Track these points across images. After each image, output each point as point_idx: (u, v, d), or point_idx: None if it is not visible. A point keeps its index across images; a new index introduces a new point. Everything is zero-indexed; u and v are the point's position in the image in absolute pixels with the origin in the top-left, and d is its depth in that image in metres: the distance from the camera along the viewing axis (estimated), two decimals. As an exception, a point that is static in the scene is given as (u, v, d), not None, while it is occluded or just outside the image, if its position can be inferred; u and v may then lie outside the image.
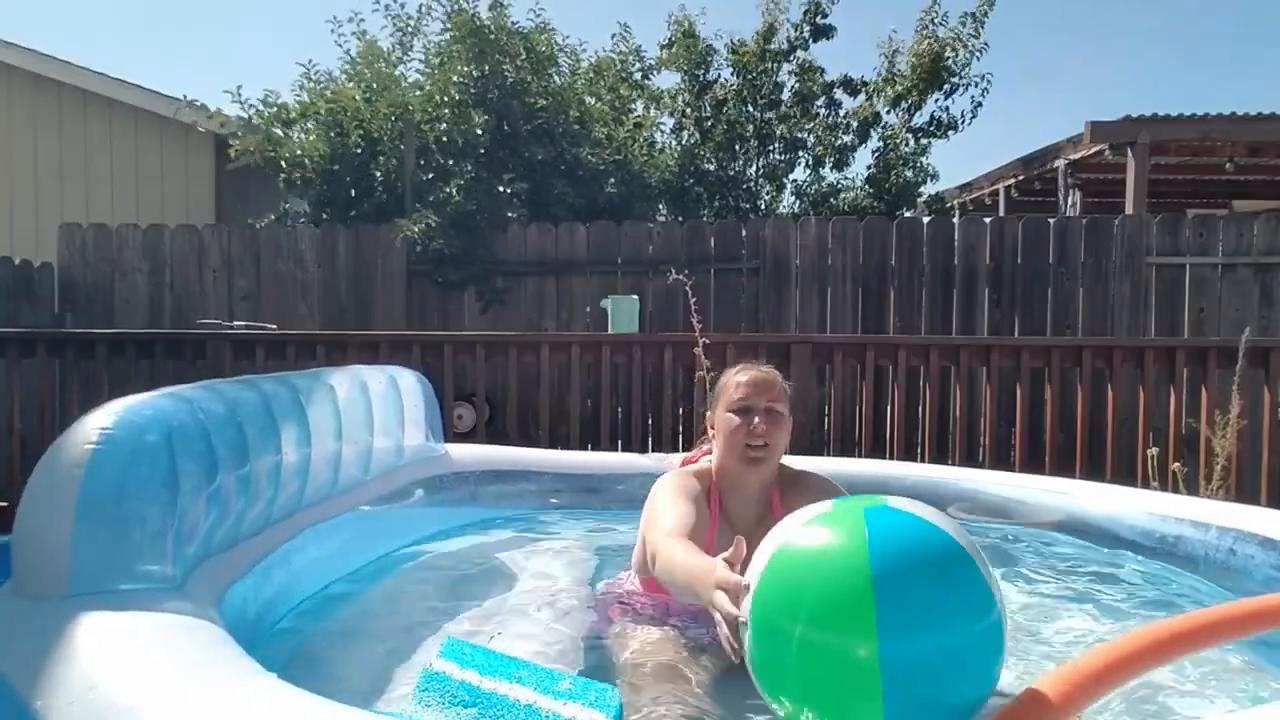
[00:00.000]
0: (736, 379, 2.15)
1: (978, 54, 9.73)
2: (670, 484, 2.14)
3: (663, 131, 10.65)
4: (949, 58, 9.72)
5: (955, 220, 7.86)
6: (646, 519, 2.11)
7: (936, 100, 10.01)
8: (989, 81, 9.85)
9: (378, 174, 7.54)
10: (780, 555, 1.39)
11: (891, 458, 5.12)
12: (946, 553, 1.34)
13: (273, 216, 7.94)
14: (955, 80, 9.83)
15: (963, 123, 10.04)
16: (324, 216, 7.65)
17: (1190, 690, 1.80)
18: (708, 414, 2.26)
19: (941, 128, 10.11)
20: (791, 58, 10.18)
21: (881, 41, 10.17)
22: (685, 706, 1.66)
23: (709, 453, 2.28)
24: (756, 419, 2.08)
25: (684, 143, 10.39)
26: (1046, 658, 2.02)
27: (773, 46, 10.08)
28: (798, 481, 2.19)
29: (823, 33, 10.11)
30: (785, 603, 1.34)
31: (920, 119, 10.13)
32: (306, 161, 7.57)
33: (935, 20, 9.83)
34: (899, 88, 9.89)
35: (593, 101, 9.46)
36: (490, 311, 6.88)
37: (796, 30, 10.10)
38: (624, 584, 2.30)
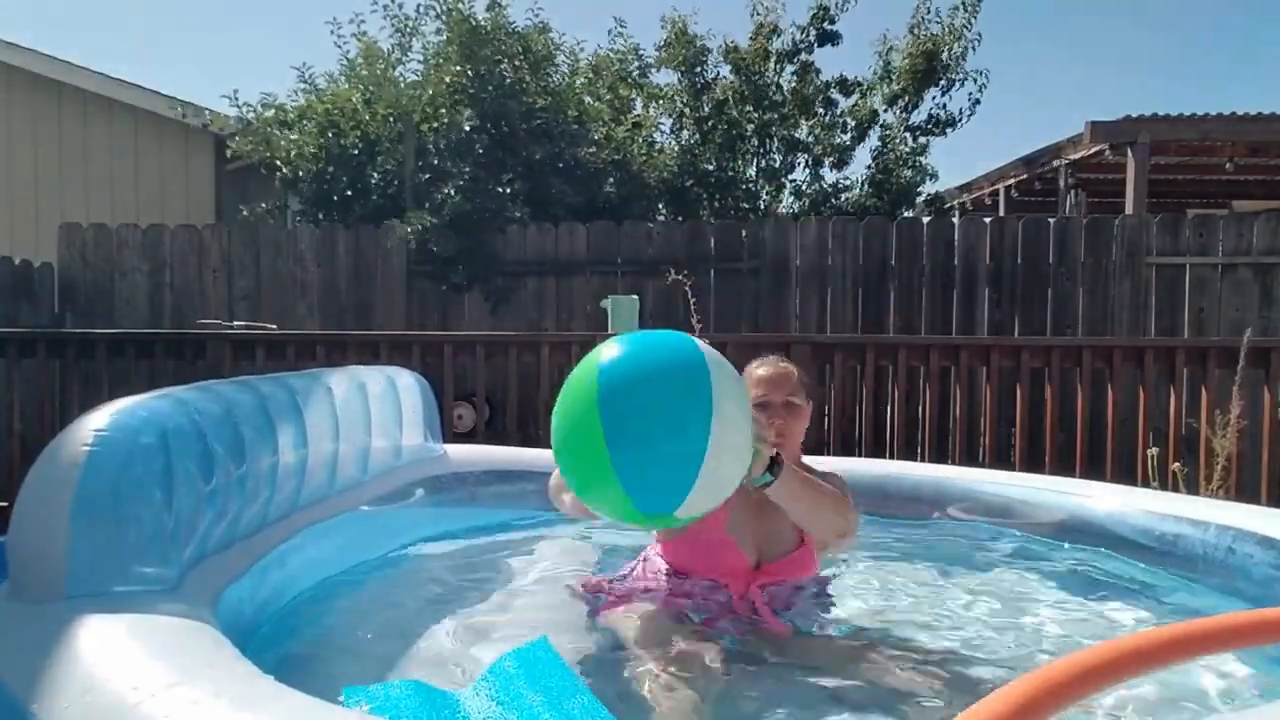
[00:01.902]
0: (755, 374, 2.27)
1: (972, 46, 9.73)
2: None
3: (662, 131, 10.65)
4: (943, 52, 9.71)
5: (955, 220, 7.87)
6: None
7: (933, 97, 10.01)
8: (986, 78, 9.85)
9: (374, 175, 7.54)
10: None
11: (891, 458, 5.12)
12: (658, 360, 1.75)
13: (264, 206, 7.92)
14: (951, 76, 9.82)
15: (961, 120, 10.03)
16: (320, 217, 7.65)
17: (1189, 690, 1.80)
18: None
19: (940, 125, 10.09)
20: (795, 59, 10.17)
21: (875, 39, 10.19)
22: (682, 693, 1.67)
23: None
24: (774, 413, 2.20)
25: (683, 143, 10.38)
26: (1023, 661, 2.01)
27: (775, 47, 10.06)
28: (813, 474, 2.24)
29: (829, 38, 10.09)
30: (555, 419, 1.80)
31: (918, 117, 10.13)
32: (300, 162, 7.56)
33: (927, 17, 9.84)
34: (895, 86, 9.89)
35: (591, 101, 9.45)
36: (494, 312, 6.88)
37: (803, 33, 10.08)
38: (625, 576, 2.32)
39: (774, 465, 1.90)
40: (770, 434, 2.14)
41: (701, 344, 1.80)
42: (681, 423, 1.67)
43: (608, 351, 1.75)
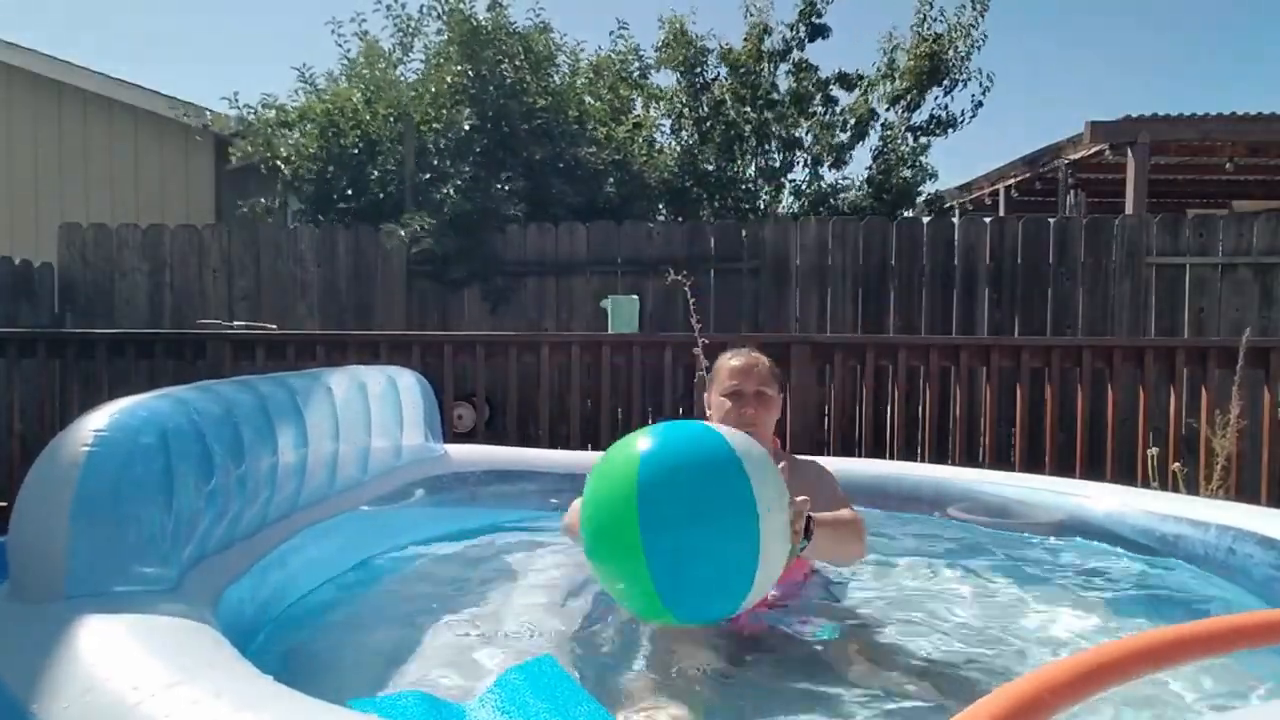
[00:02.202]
0: (728, 364, 2.38)
1: (978, 45, 9.70)
2: None
3: (662, 131, 10.66)
4: (948, 51, 9.69)
5: (955, 220, 7.87)
6: None
7: (936, 98, 10.00)
8: (990, 80, 9.83)
9: (374, 174, 7.54)
10: (592, 471, 1.76)
11: (891, 458, 5.12)
12: (706, 457, 1.66)
13: (262, 201, 7.92)
14: (955, 76, 9.80)
15: (962, 120, 10.02)
16: (320, 217, 7.65)
17: (1188, 690, 1.80)
18: (706, 395, 2.50)
19: (941, 126, 10.08)
20: (788, 58, 10.18)
21: (881, 37, 10.17)
22: (680, 703, 1.67)
23: None
24: (746, 402, 2.31)
25: (683, 143, 10.39)
26: (1017, 665, 2.01)
27: (767, 47, 10.07)
28: (793, 464, 2.27)
29: (819, 32, 10.10)
30: (586, 508, 1.73)
31: (920, 117, 10.12)
32: (300, 163, 7.56)
33: (931, 16, 9.82)
34: (898, 86, 9.87)
35: (592, 101, 9.45)
36: (494, 312, 6.89)
37: (792, 30, 10.09)
38: None
39: (806, 529, 1.85)
40: (747, 423, 2.20)
41: (727, 436, 1.72)
42: (731, 556, 1.61)
43: (640, 489, 1.62)
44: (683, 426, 1.78)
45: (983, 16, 9.61)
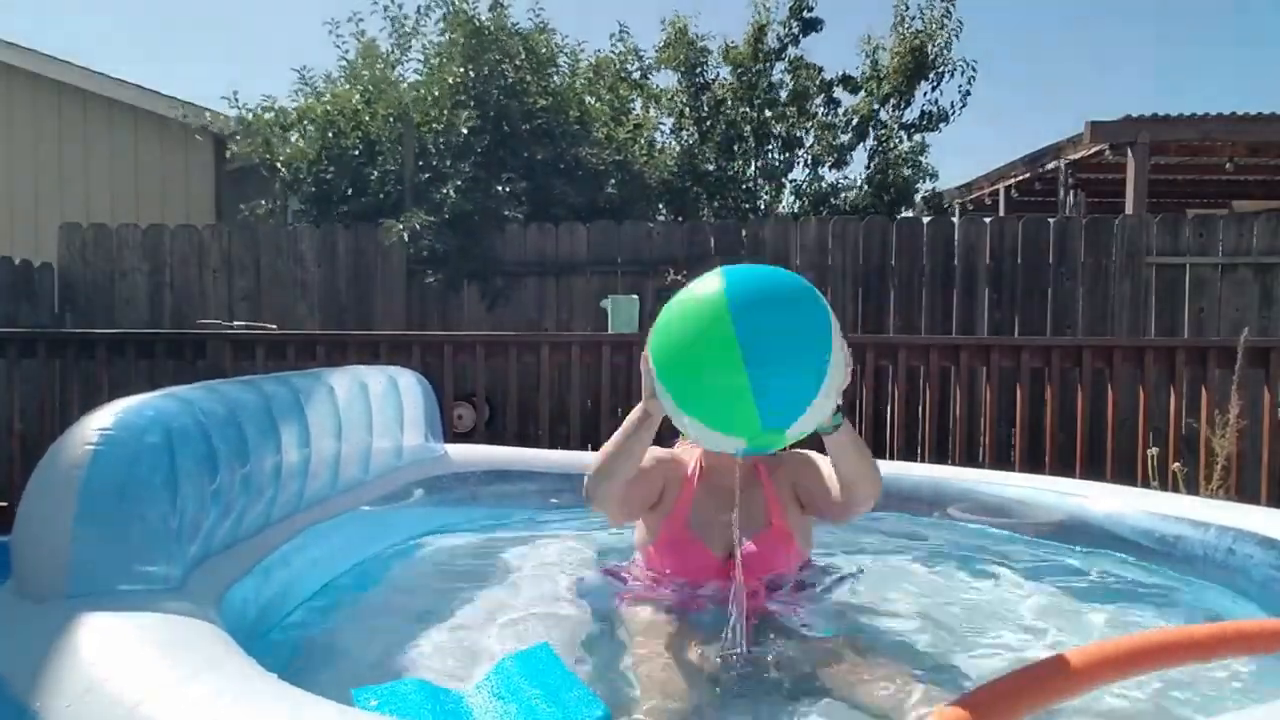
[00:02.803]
0: None
1: (955, 34, 9.80)
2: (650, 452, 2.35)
3: (662, 131, 10.67)
4: (928, 45, 9.76)
5: (955, 220, 7.86)
6: None
7: (924, 93, 10.06)
8: (974, 68, 9.89)
9: (374, 175, 7.54)
10: (662, 311, 1.88)
11: (891, 458, 5.12)
12: (785, 284, 1.81)
13: (263, 203, 7.92)
14: (940, 69, 9.87)
15: (953, 113, 10.07)
16: (320, 218, 7.64)
17: (1187, 690, 1.80)
18: None
19: (933, 120, 10.13)
20: (784, 55, 10.20)
21: (861, 39, 10.24)
22: (679, 700, 1.69)
23: None
24: None
25: (683, 143, 10.40)
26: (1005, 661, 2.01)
27: (764, 46, 10.10)
28: (780, 454, 2.25)
29: (811, 26, 10.14)
30: (661, 335, 1.84)
31: (911, 114, 10.17)
32: (300, 163, 7.56)
33: (907, 13, 9.90)
34: (886, 85, 9.93)
35: (592, 101, 9.46)
36: (492, 310, 6.89)
37: (785, 27, 10.13)
38: (628, 569, 2.34)
39: (837, 410, 1.92)
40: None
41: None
42: (814, 340, 1.73)
43: (728, 278, 1.77)
44: (751, 267, 1.89)
45: (953, 6, 9.72)
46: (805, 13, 10.06)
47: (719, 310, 1.71)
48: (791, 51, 10.18)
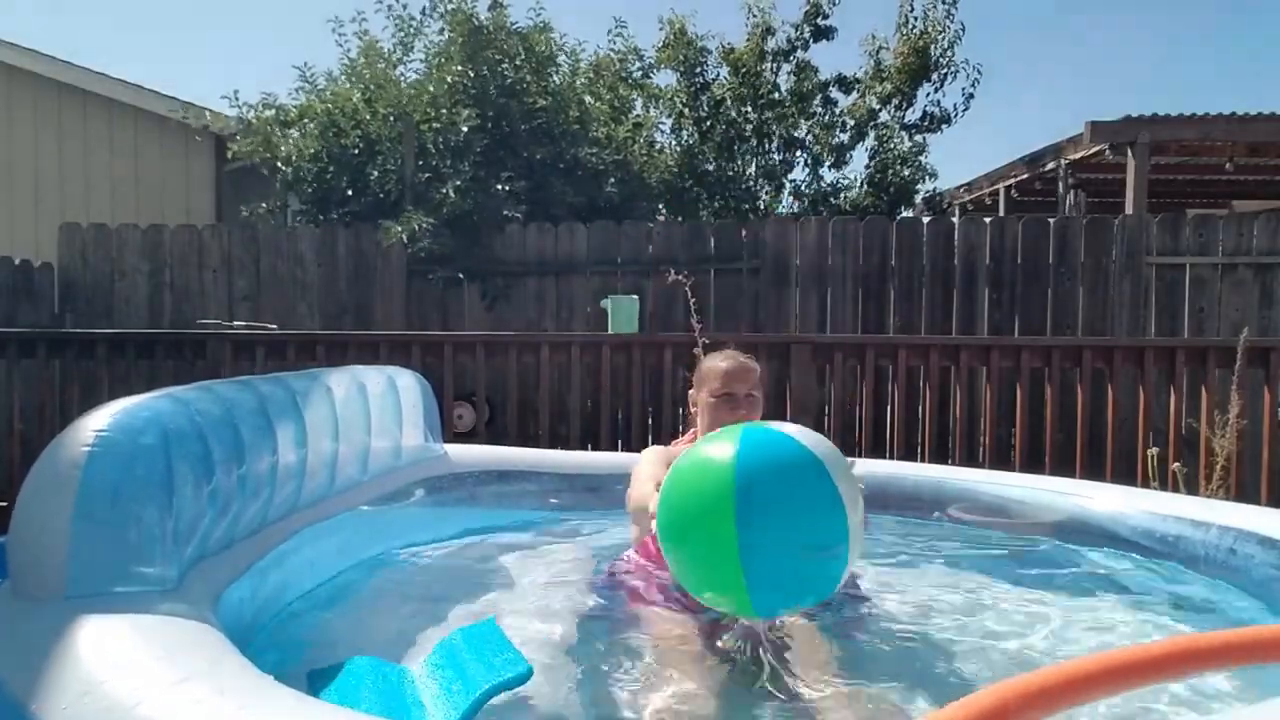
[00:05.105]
0: (720, 367, 2.40)
1: (958, 36, 9.79)
2: (654, 451, 2.44)
3: (662, 131, 10.67)
4: (932, 47, 9.77)
5: (955, 220, 7.85)
6: (631, 481, 2.34)
7: (927, 94, 10.05)
8: (979, 71, 9.89)
9: (374, 174, 7.54)
10: (673, 469, 1.75)
11: (891, 458, 5.12)
12: (798, 460, 1.65)
13: (264, 205, 7.92)
14: (943, 70, 9.87)
15: (955, 115, 10.06)
16: (320, 217, 7.65)
17: (1186, 690, 1.80)
18: (691, 393, 2.52)
19: (935, 122, 10.12)
20: (791, 58, 10.19)
21: (864, 39, 10.23)
22: (690, 700, 1.69)
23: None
24: (739, 404, 2.34)
25: (683, 143, 10.39)
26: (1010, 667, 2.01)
27: (770, 47, 10.08)
28: None
29: (824, 34, 10.12)
30: (669, 504, 1.70)
31: (913, 115, 10.16)
32: (300, 163, 7.56)
33: (911, 14, 9.90)
34: (889, 85, 9.93)
35: (592, 101, 9.45)
36: (492, 310, 6.89)
37: (797, 31, 10.10)
38: (626, 565, 2.35)
39: None
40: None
41: (803, 438, 1.70)
42: (826, 552, 1.63)
43: (738, 476, 1.61)
44: (766, 433, 1.73)
45: (954, 9, 9.72)
46: (820, 19, 10.04)
47: (724, 508, 1.59)
48: (799, 55, 10.17)
